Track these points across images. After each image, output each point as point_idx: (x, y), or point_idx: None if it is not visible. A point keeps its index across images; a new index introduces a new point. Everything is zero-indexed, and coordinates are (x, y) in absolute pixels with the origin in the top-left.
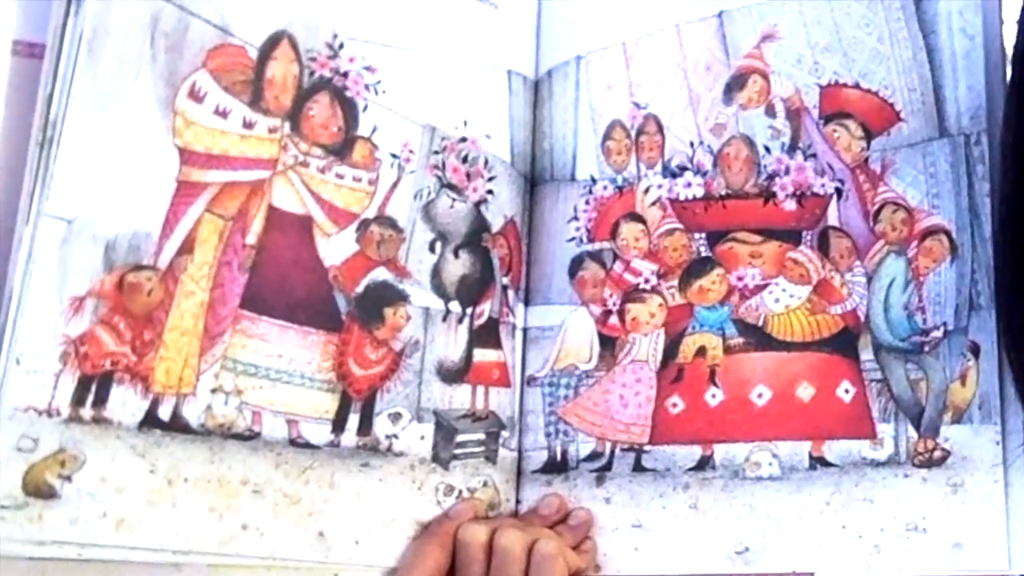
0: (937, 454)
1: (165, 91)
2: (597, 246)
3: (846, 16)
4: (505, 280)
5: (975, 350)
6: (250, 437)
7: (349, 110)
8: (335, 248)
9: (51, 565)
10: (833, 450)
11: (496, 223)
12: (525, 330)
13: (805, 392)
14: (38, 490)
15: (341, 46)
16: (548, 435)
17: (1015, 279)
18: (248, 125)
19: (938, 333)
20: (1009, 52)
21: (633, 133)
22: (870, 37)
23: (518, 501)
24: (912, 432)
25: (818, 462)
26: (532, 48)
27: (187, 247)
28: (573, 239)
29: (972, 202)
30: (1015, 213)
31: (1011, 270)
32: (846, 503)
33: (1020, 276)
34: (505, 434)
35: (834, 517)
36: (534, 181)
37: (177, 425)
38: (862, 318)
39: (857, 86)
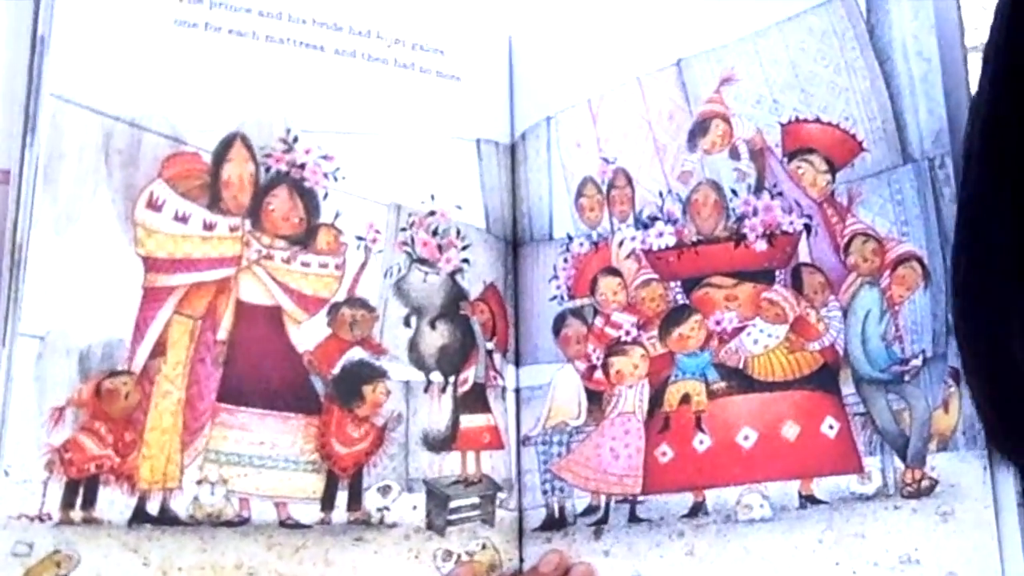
0: (925, 484)
1: (124, 205)
2: (578, 303)
3: (801, 52)
4: (490, 345)
5: (956, 376)
6: (240, 523)
7: (309, 200)
8: (307, 334)
9: None
10: (822, 487)
11: (475, 290)
12: (518, 391)
13: (790, 431)
14: None
15: (295, 139)
16: (545, 492)
17: (974, 296)
18: (208, 227)
19: (917, 361)
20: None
21: (604, 188)
22: (827, 70)
23: (521, 560)
24: (899, 463)
25: (808, 500)
26: (502, 114)
27: (159, 349)
28: (555, 297)
29: (941, 226)
30: (972, 227)
31: (967, 288)
32: (838, 539)
33: (977, 294)
34: (502, 495)
35: (827, 554)
36: (516, 243)
37: (166, 518)
38: (841, 352)
39: (818, 120)
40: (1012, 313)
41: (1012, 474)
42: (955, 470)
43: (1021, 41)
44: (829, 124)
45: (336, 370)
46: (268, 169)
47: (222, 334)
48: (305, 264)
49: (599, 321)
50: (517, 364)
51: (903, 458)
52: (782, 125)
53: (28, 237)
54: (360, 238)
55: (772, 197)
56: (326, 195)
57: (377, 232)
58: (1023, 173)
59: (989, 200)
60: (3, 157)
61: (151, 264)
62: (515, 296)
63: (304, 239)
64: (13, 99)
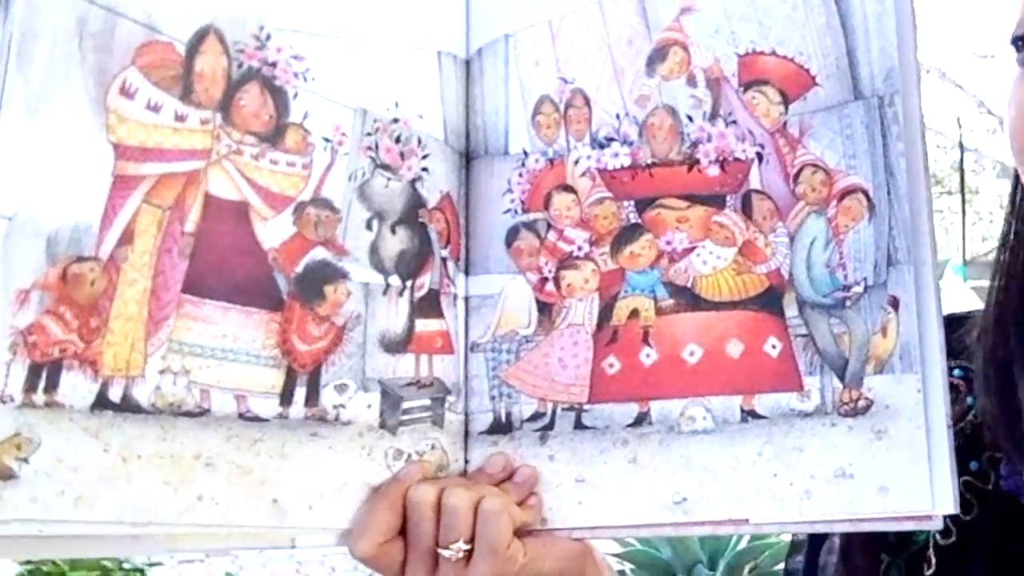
0: (861, 403)
1: (96, 90)
2: (531, 216)
3: None
4: (444, 252)
5: (894, 303)
6: (200, 414)
7: (279, 98)
8: (273, 231)
9: (15, 542)
10: (763, 403)
11: (432, 199)
12: (467, 299)
13: (734, 349)
14: None
15: (268, 37)
16: (492, 398)
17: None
18: (180, 118)
19: (859, 288)
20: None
21: (561, 107)
22: (784, 5)
23: (467, 461)
24: (837, 383)
25: (749, 415)
26: (462, 28)
27: (127, 238)
28: (508, 211)
29: (887, 161)
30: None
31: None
32: (777, 453)
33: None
34: (451, 399)
35: (766, 466)
36: (469, 156)
37: (128, 406)
38: (786, 276)
39: (773, 53)
40: None
41: (944, 397)
42: (890, 392)
43: None
44: (784, 57)
45: (299, 268)
46: (240, 65)
47: (189, 226)
48: (273, 162)
49: (552, 235)
50: (467, 273)
51: (841, 379)
52: (739, 56)
53: None
54: (327, 140)
55: (726, 125)
56: (296, 95)
57: (343, 135)
58: None
59: None
60: None
61: (122, 152)
62: (467, 207)
63: (273, 137)
64: None
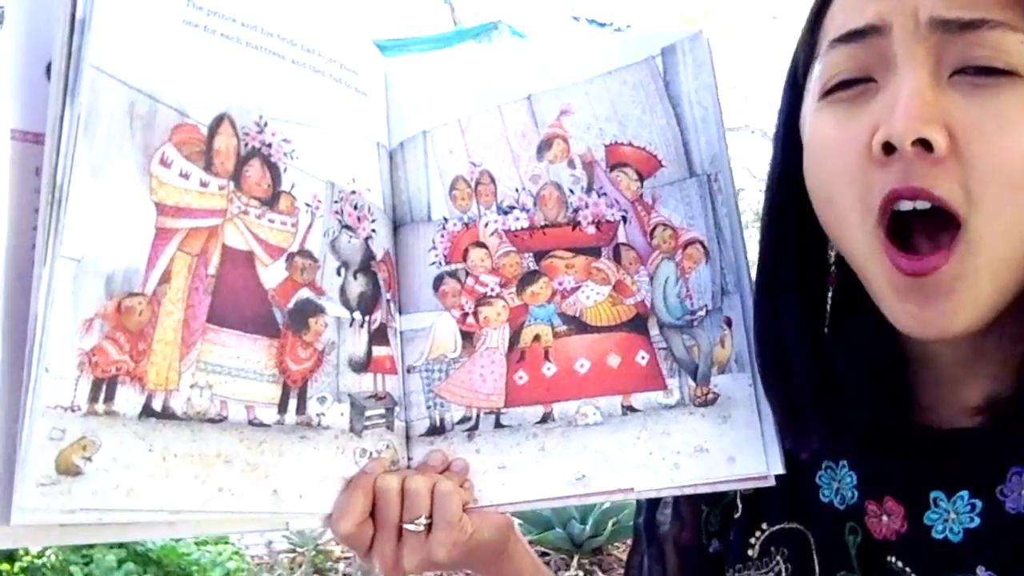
0: (710, 396)
1: (143, 160)
2: (453, 267)
3: (619, 96)
4: (388, 295)
5: (728, 322)
6: (220, 420)
7: (274, 172)
8: (271, 275)
9: (78, 528)
10: (638, 400)
11: (379, 253)
12: (401, 332)
13: (614, 361)
14: (67, 470)
15: (265, 124)
16: (428, 407)
17: (765, 314)
18: (203, 184)
19: (702, 313)
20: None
21: (472, 184)
22: (636, 109)
23: (409, 458)
24: (691, 383)
25: (628, 409)
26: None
27: (165, 278)
28: (434, 263)
29: (716, 220)
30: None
31: (760, 307)
32: (651, 437)
33: (767, 313)
34: (398, 409)
35: (644, 447)
36: (396, 224)
37: (167, 414)
38: (649, 306)
39: (630, 144)
40: (790, 325)
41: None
42: (730, 387)
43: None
44: (638, 147)
45: (291, 304)
46: (246, 144)
47: (212, 269)
48: (271, 220)
49: (470, 281)
50: (400, 312)
51: (694, 379)
52: (605, 146)
53: (69, 179)
54: (308, 205)
55: (599, 196)
56: (285, 169)
57: (319, 202)
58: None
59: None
60: (26, 119)
61: (162, 209)
62: (397, 262)
63: (270, 201)
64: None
